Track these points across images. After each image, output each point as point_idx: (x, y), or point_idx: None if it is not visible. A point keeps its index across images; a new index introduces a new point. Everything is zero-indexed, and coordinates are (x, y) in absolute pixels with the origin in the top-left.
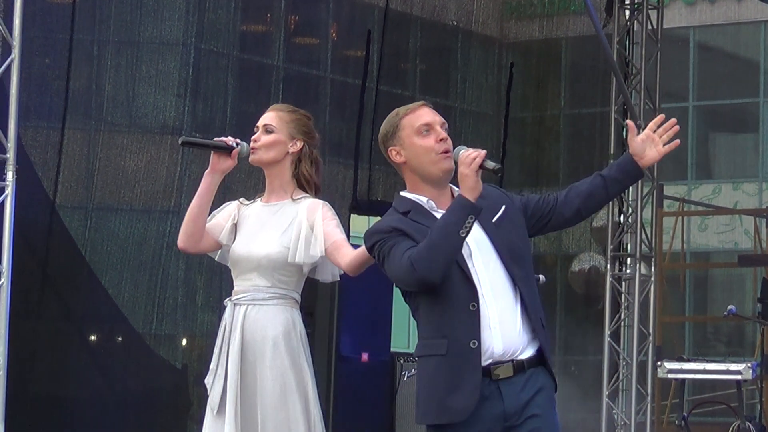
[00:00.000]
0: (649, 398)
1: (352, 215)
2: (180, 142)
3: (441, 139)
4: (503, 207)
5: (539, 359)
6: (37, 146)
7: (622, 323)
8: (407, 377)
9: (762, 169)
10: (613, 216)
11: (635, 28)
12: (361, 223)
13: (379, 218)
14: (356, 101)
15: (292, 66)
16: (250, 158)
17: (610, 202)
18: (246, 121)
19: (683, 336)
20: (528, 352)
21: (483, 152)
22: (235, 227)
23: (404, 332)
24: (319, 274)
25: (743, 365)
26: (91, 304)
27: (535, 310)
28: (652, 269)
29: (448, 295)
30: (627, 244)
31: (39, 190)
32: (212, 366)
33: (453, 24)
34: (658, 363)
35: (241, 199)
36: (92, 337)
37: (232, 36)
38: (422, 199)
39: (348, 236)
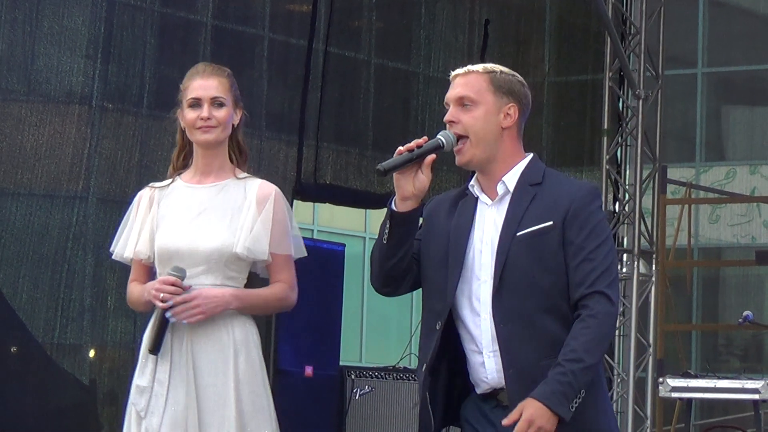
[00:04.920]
0: (648, 422)
1: (295, 201)
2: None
3: (446, 122)
4: (549, 222)
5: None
6: None
7: (617, 332)
8: (359, 395)
9: None
10: (606, 204)
11: None
12: (306, 211)
13: (328, 205)
14: (301, 65)
15: (223, 23)
16: (203, 138)
17: (604, 187)
18: (168, 87)
19: (690, 348)
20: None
21: (405, 146)
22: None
23: (356, 343)
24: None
25: (761, 383)
26: None
27: (522, 355)
28: (653, 268)
29: (426, 308)
30: (623, 238)
31: None
32: (143, 383)
33: None
34: (660, 380)
35: (151, 185)
36: None
37: None
38: (471, 182)
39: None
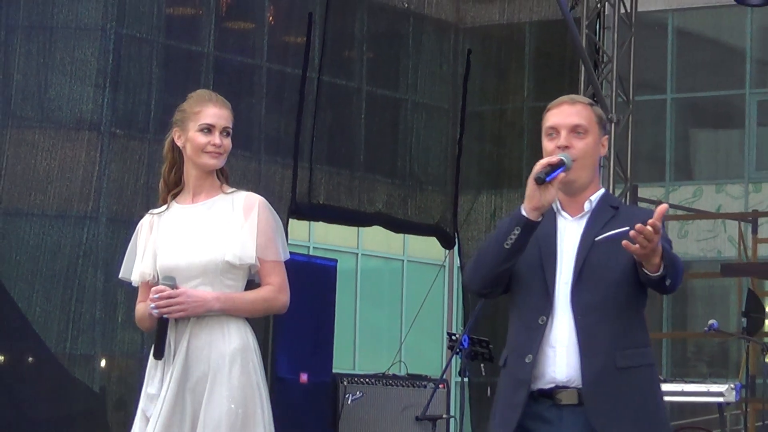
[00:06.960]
0: None
1: (290, 220)
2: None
3: (559, 147)
4: (626, 228)
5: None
6: None
7: None
8: (351, 401)
9: (747, 169)
10: None
11: (606, 11)
12: (302, 229)
13: (322, 223)
14: (296, 93)
15: (224, 53)
16: (211, 162)
17: None
18: (172, 114)
19: (660, 355)
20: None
21: (545, 160)
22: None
23: (348, 351)
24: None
25: (725, 386)
26: None
27: (600, 343)
28: None
29: (525, 305)
30: None
31: None
32: (152, 390)
33: (404, 6)
34: None
35: (150, 212)
36: None
37: (156, 19)
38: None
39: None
